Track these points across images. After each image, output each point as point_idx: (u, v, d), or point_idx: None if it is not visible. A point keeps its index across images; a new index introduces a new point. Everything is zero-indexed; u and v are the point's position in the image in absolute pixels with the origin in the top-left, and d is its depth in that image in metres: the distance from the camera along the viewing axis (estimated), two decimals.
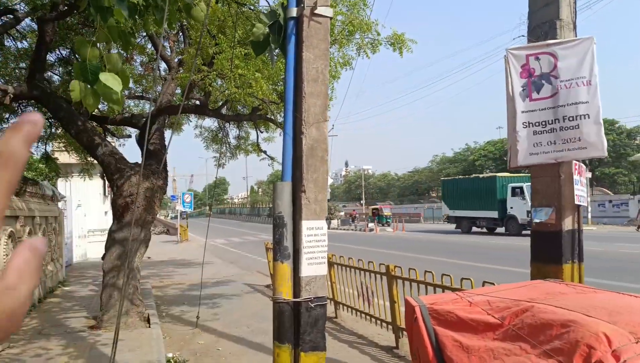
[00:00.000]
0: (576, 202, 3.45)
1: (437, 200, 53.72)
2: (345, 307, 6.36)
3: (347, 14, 7.99)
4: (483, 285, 3.47)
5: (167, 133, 12.68)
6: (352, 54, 8.22)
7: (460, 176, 32.17)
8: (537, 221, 3.55)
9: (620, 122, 38.62)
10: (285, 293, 2.98)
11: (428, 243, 19.90)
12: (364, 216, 43.29)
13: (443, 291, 4.11)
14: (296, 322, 3.00)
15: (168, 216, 55.36)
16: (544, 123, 3.75)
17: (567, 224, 3.41)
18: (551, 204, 3.49)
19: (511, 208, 22.07)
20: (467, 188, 24.66)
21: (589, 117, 3.59)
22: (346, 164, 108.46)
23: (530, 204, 22.44)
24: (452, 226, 27.31)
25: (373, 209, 39.47)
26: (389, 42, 7.65)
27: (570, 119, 3.64)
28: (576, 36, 4.03)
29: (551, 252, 3.47)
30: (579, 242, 3.43)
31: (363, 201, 55.16)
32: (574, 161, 3.52)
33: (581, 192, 3.51)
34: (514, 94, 4.06)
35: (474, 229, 25.47)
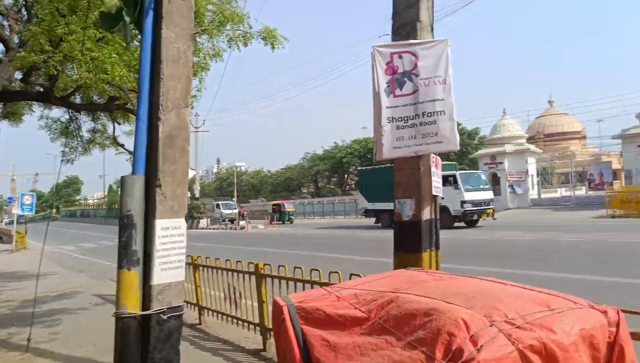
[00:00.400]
0: (434, 193, 3.67)
1: (307, 196, 55.39)
2: (210, 312, 6.01)
3: (218, 4, 7.66)
4: (350, 278, 3.47)
5: (3, 125, 10.79)
6: (224, 45, 7.91)
7: (383, 166, 31.17)
8: (402, 213, 3.70)
9: (463, 124, 44.30)
10: (132, 305, 2.60)
11: (303, 239, 20.26)
12: (256, 214, 42.49)
13: (312, 287, 4.06)
14: (145, 339, 2.63)
15: (2, 221, 48.15)
16: (406, 118, 3.91)
17: (426, 214, 3.61)
18: (412, 196, 3.66)
19: (442, 198, 22.31)
20: (390, 177, 23.82)
21: (444, 114, 3.83)
22: (218, 161, 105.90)
23: (463, 193, 22.39)
24: (371, 221, 25.39)
25: (274, 205, 38.04)
26: (261, 36, 7.52)
27: (429, 115, 3.85)
28: (433, 38, 4.29)
29: (412, 241, 3.63)
30: (436, 231, 3.65)
31: (235, 199, 54.31)
32: (432, 155, 3.74)
33: (438, 184, 3.75)
34: (380, 90, 4.17)
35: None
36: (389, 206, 21.47)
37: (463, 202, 20.14)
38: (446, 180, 19.80)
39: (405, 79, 4.11)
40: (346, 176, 60.01)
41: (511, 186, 31.59)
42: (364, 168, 28.81)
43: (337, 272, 3.93)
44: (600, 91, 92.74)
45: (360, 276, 3.38)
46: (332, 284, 3.55)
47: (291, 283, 4.50)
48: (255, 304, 5.07)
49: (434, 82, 3.97)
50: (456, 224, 20.79)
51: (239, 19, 7.48)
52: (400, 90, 4.10)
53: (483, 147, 36.08)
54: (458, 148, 3.72)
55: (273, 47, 7.40)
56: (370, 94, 4.15)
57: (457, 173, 21.09)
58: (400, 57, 4.18)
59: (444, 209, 19.88)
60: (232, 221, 35.98)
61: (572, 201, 30.10)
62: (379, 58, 4.19)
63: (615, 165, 35.15)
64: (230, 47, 7.61)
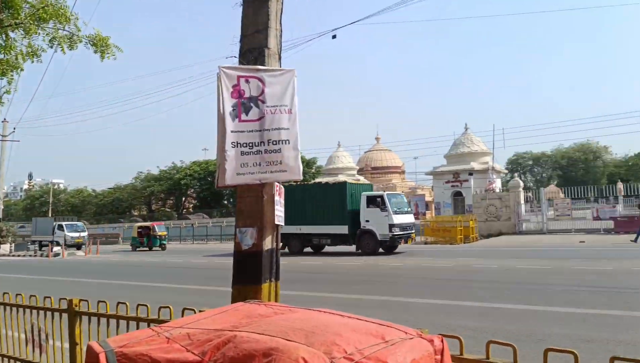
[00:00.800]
0: (276, 222, 3.64)
1: (139, 219, 51.13)
2: (5, 359, 4.94)
3: None
4: (183, 314, 3.17)
5: None
6: (44, 45, 6.93)
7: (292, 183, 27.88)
8: (243, 242, 3.56)
9: (302, 153, 46.62)
10: None
11: (127, 267, 18.46)
12: (102, 238, 36.29)
13: (138, 326, 3.61)
14: None
15: None
16: (251, 145, 3.84)
17: (268, 243, 3.55)
18: (254, 225, 3.57)
19: (367, 221, 18.57)
20: (301, 197, 19.66)
21: (289, 143, 3.87)
22: (30, 177, 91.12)
23: (391, 216, 18.40)
24: None
25: (140, 227, 31.35)
26: (91, 42, 6.80)
27: (274, 143, 3.85)
28: (281, 66, 4.35)
29: (252, 272, 3.52)
30: (276, 261, 3.60)
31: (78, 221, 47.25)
32: (276, 183, 3.72)
33: (280, 212, 3.73)
34: (225, 113, 4.03)
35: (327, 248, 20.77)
36: (297, 229, 19.75)
37: (392, 226, 18.24)
38: (373, 201, 18.62)
39: (252, 104, 4.06)
40: (184, 199, 57.42)
41: None
42: None
43: (167, 307, 3.57)
44: (419, 131, 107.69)
45: (194, 311, 3.11)
46: (164, 322, 3.19)
47: (113, 322, 3.94)
48: (67, 345, 4.31)
49: (280, 111, 4.00)
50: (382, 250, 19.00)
51: (64, 18, 6.64)
52: (246, 115, 4.02)
53: (319, 176, 38.30)
54: (301, 177, 3.78)
55: (102, 56, 6.74)
56: (213, 116, 3.99)
57: (385, 193, 19.28)
58: (247, 81, 4.13)
59: (369, 234, 18.49)
60: (79, 247, 30.82)
61: None
62: (225, 80, 4.07)
63: (428, 198, 40.80)
64: (52, 47, 6.68)
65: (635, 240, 19.30)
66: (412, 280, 11.62)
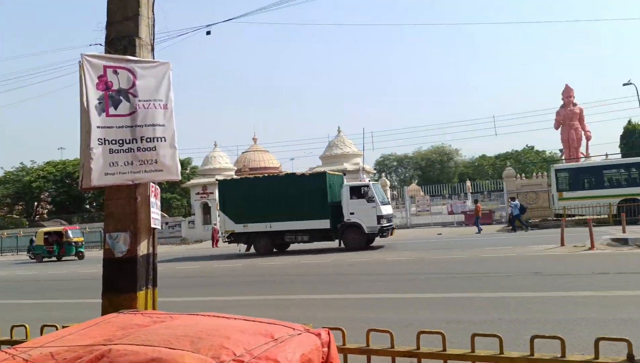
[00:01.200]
0: (152, 225, 3.39)
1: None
2: None
3: None
4: (42, 332, 2.79)
5: None
6: None
7: (258, 175, 23.31)
8: (115, 248, 3.24)
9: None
10: None
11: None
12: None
13: None
14: None
15: None
16: (121, 142, 3.53)
17: (143, 248, 3.29)
18: (127, 229, 3.28)
19: (352, 213, 17.44)
20: (270, 191, 18.04)
21: (165, 140, 3.64)
22: None
23: (379, 207, 16.91)
24: (236, 248, 19.66)
25: (48, 233, 25.68)
26: None
27: (148, 140, 3.58)
28: (154, 58, 4.08)
29: (126, 280, 3.23)
30: (153, 266, 3.36)
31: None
32: (151, 184, 3.47)
33: (157, 215, 3.49)
34: (89, 106, 3.65)
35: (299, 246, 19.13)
36: (266, 226, 18.10)
37: (380, 217, 17.33)
38: (357, 192, 17.58)
39: (122, 97, 3.73)
40: (36, 204, 50.76)
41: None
42: (227, 178, 21.97)
43: (23, 325, 3.10)
44: (296, 132, 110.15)
45: (57, 328, 2.75)
46: (18, 342, 2.76)
47: None
48: None
49: (154, 106, 3.74)
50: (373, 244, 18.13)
51: None
52: (115, 109, 3.68)
53: (195, 177, 36.92)
54: (179, 177, 3.58)
55: None
56: (74, 110, 3.59)
57: (371, 183, 18.20)
58: (115, 72, 3.78)
59: (355, 227, 17.41)
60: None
61: None
62: (89, 69, 3.69)
63: None
64: None
65: (479, 231, 22.25)
66: (316, 277, 11.81)
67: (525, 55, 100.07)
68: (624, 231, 16.14)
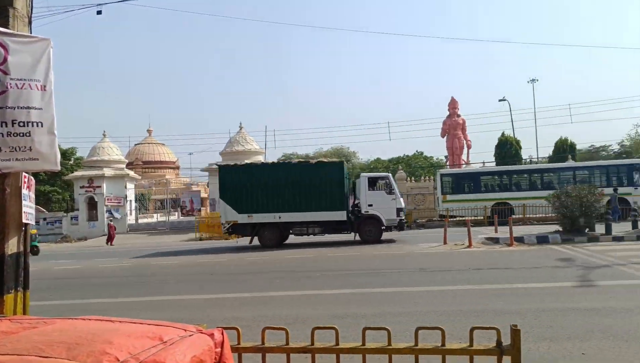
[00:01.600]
0: (24, 220, 3.01)
1: None
2: None
3: None
4: None
5: None
6: None
7: (269, 161, 21.15)
8: None
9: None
10: None
11: None
12: None
13: None
14: None
15: None
16: None
17: (13, 246, 2.90)
18: None
19: (370, 205, 16.87)
20: (279, 180, 16.84)
21: (42, 126, 3.26)
22: None
23: (399, 199, 16.60)
24: (239, 241, 18.28)
25: None
26: None
27: (21, 124, 3.18)
28: (31, 33, 3.65)
29: None
30: (24, 266, 2.99)
31: None
32: (24, 173, 3.08)
33: (30, 209, 3.11)
34: None
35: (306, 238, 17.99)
36: (275, 217, 16.83)
37: (399, 210, 17.06)
38: (374, 184, 17.18)
39: None
40: None
41: (109, 211, 31.00)
42: (229, 164, 19.60)
43: None
44: (195, 126, 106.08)
45: None
46: None
47: None
48: None
49: (30, 86, 3.33)
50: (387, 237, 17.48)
51: None
52: None
53: (80, 169, 33.83)
54: (59, 167, 3.22)
55: None
56: None
57: (390, 175, 17.89)
58: None
59: (373, 220, 16.87)
60: None
61: (167, 226, 32.48)
62: None
63: (203, 194, 40.60)
64: None
65: None
66: (183, 276, 11.37)
67: (424, 67, 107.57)
68: (496, 231, 18.07)
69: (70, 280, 11.95)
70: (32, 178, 3.28)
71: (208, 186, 35.09)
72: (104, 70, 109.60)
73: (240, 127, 33.56)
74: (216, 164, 24.07)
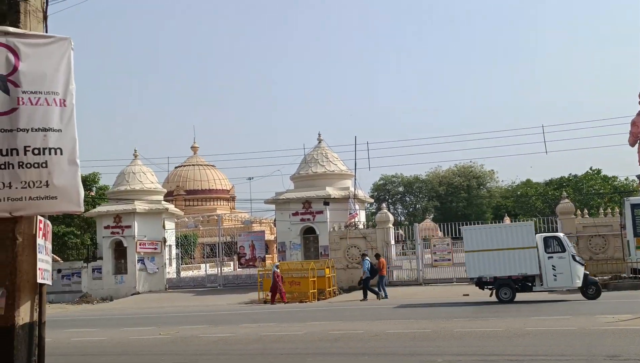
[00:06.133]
0: (39, 279, 3.31)
1: None
2: None
3: None
4: None
5: None
6: None
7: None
8: None
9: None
10: None
11: None
12: None
13: None
14: None
15: None
16: None
17: (25, 314, 3.19)
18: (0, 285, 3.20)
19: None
20: None
21: (61, 153, 3.55)
22: None
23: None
24: None
25: None
26: None
27: (36, 152, 3.48)
28: (47, 31, 4.02)
29: None
30: (39, 339, 3.28)
31: None
32: (40, 217, 3.41)
33: (46, 264, 3.42)
34: None
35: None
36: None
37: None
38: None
39: None
40: None
41: (142, 261, 32.76)
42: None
43: None
44: (255, 141, 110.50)
45: None
46: None
47: None
48: None
49: (47, 101, 3.65)
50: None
51: None
52: None
53: (104, 202, 36.35)
54: (82, 208, 3.52)
55: None
56: None
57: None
58: None
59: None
60: None
61: (220, 281, 33.60)
62: None
63: (269, 236, 41.42)
64: None
65: (384, 295, 24.20)
66: None
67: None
68: None
69: (93, 358, 12.78)
70: (48, 222, 3.61)
71: (275, 225, 35.85)
72: (135, 66, 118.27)
73: (319, 140, 34.01)
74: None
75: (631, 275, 23.84)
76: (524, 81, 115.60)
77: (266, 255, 36.49)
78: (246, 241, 34.34)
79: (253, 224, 48.44)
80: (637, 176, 33.85)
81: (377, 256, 26.50)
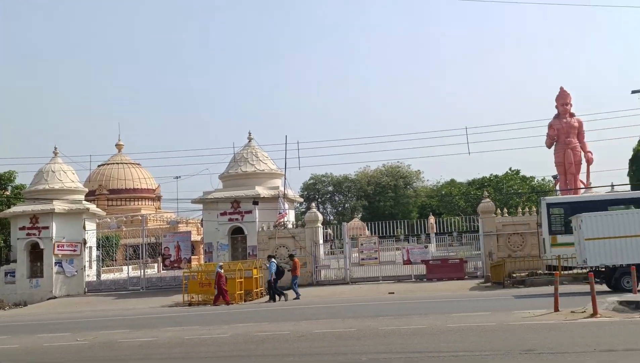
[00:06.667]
0: None
1: None
2: None
3: None
4: None
5: None
6: None
7: None
8: None
9: None
10: None
11: None
12: None
13: None
14: None
15: None
16: None
17: None
18: None
19: None
20: None
21: None
22: None
23: None
24: None
25: None
26: None
27: None
28: None
29: None
30: None
31: None
32: None
33: None
34: None
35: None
36: None
37: None
38: None
39: None
40: None
41: (59, 263, 31.61)
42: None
43: None
44: (182, 140, 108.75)
45: None
46: None
47: None
48: None
49: None
50: None
51: None
52: None
53: (20, 202, 34.82)
54: None
55: None
56: None
57: None
58: None
59: None
60: None
61: (143, 284, 32.76)
62: None
63: (195, 236, 40.67)
64: None
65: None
66: None
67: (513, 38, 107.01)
68: (634, 292, 17.34)
69: None
70: None
71: (202, 225, 35.34)
72: (54, 55, 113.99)
73: (250, 139, 33.82)
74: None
75: (546, 272, 24.76)
76: (449, 84, 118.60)
77: (192, 256, 35.90)
78: (171, 242, 33.67)
79: (179, 225, 47.67)
80: (552, 176, 35.37)
81: (291, 256, 26.73)
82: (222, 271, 24.38)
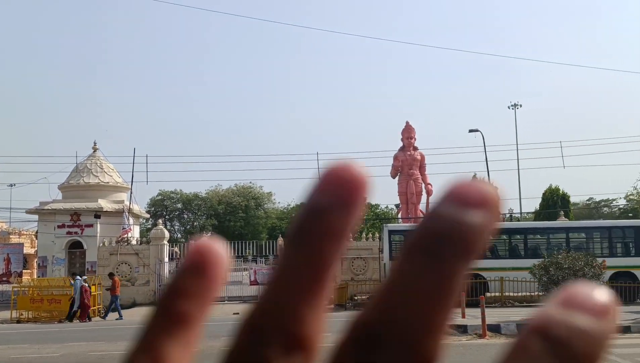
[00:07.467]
0: None
1: None
2: None
3: None
4: None
5: None
6: None
7: None
8: None
9: None
10: None
11: None
12: None
13: None
14: None
15: None
16: None
17: None
18: None
19: None
20: None
21: None
22: None
23: None
24: None
25: None
26: None
27: None
28: None
29: None
30: None
31: None
32: None
33: None
34: None
35: None
36: None
37: None
38: None
39: None
40: None
41: None
42: None
43: None
44: (13, 146, 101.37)
45: None
46: None
47: None
48: None
49: None
50: None
51: None
52: None
53: None
54: None
55: None
56: None
57: None
58: None
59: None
60: None
61: None
62: None
63: (28, 249, 38.27)
64: None
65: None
66: None
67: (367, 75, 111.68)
68: (462, 316, 18.42)
69: None
70: None
71: (37, 237, 33.40)
72: None
73: (95, 149, 32.59)
74: None
75: None
76: (299, 106, 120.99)
77: (24, 270, 33.63)
78: (1, 254, 31.51)
79: (11, 236, 44.46)
80: (395, 204, 37.27)
81: (111, 275, 25.96)
82: (87, 285, 23.23)
